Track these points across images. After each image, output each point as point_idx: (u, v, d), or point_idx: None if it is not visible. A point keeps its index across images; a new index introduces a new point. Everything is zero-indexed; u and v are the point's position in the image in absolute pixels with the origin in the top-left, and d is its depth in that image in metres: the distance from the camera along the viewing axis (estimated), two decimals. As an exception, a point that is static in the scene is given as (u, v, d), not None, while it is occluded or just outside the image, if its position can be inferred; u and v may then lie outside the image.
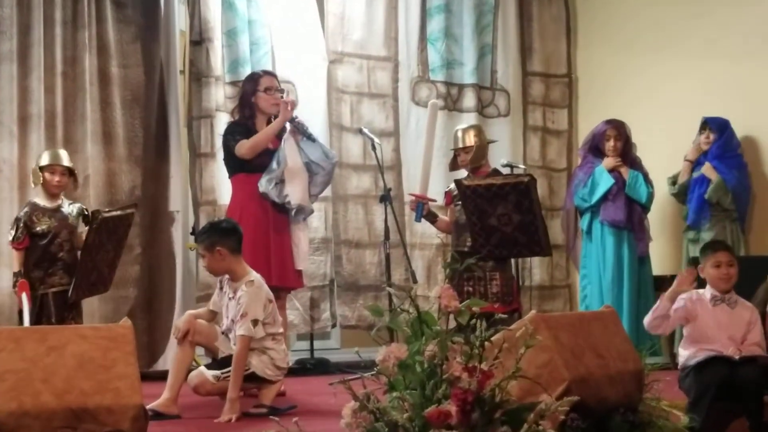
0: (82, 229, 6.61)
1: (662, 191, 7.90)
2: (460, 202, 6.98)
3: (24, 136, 7.28)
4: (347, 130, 8.28)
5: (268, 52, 7.98)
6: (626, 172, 7.56)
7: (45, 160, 6.60)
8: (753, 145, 7.82)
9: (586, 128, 8.50)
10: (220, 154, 7.04)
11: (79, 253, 6.54)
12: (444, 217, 7.40)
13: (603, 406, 3.95)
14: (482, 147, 7.20)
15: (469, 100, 8.89)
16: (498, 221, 6.74)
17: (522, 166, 7.77)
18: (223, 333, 5.55)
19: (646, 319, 5.09)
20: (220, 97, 7.74)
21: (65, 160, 6.65)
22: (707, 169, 7.61)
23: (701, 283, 5.24)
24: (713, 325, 5.04)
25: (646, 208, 7.65)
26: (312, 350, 8.22)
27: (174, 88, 7.84)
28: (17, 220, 6.53)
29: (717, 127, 7.65)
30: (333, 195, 8.08)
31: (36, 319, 6.32)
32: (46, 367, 3.48)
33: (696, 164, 7.72)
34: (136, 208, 6.95)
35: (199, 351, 6.01)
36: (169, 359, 6.74)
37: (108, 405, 3.46)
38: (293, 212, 6.44)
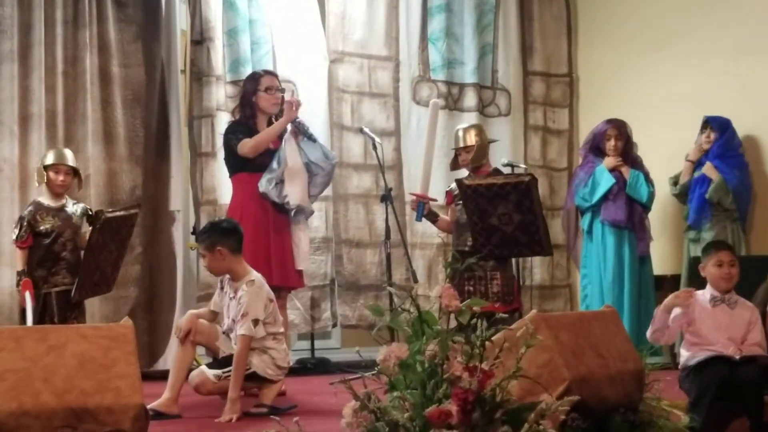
0: (86, 229, 6.60)
1: (663, 191, 7.90)
2: (460, 202, 6.98)
3: (25, 135, 7.28)
4: (348, 129, 8.28)
5: (269, 52, 7.98)
6: (627, 172, 7.56)
7: (50, 159, 6.61)
8: (754, 145, 7.82)
9: (586, 128, 8.50)
10: (220, 154, 7.04)
11: (82, 253, 6.55)
12: (445, 216, 7.40)
13: (603, 405, 3.95)
14: (483, 146, 7.20)
15: (470, 99, 8.89)
16: (499, 221, 6.73)
17: (523, 166, 7.77)
18: (224, 333, 5.55)
19: (648, 333, 5.09)
20: (221, 96, 7.74)
21: (70, 159, 6.65)
22: (708, 169, 7.60)
23: (702, 284, 5.24)
24: (712, 326, 5.04)
25: (646, 207, 7.65)
26: (312, 350, 8.22)
27: (175, 88, 7.84)
28: (21, 218, 6.54)
29: (718, 126, 7.65)
30: (334, 194, 8.09)
31: (38, 319, 6.32)
32: (47, 367, 3.47)
33: (697, 164, 7.72)
34: (139, 208, 6.95)
35: (200, 350, 6.01)
36: (170, 359, 6.74)
37: (108, 405, 3.46)
38: (293, 212, 6.44)
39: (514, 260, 7.10)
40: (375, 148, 7.14)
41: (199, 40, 7.74)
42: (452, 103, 8.82)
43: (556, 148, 9.29)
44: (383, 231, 7.21)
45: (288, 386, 6.10)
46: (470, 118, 8.55)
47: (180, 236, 7.72)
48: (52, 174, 6.55)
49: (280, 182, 6.37)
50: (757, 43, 7.80)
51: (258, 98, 6.48)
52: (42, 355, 3.50)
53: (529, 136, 9.19)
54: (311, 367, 7.82)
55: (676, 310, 5.04)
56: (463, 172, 7.28)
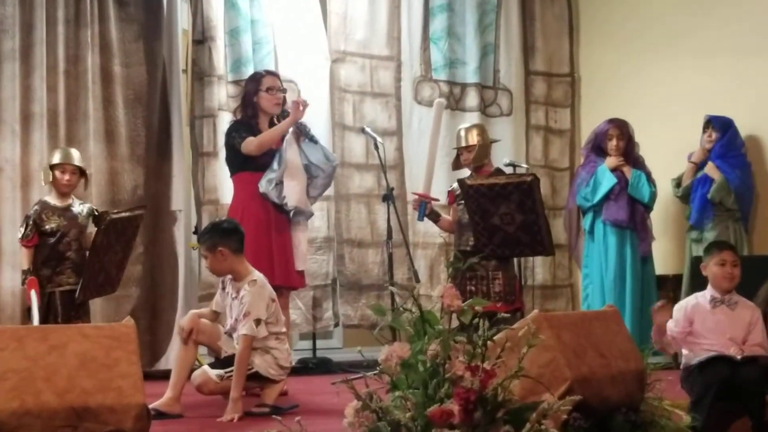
0: (92, 230, 6.62)
1: (665, 191, 7.89)
2: (462, 202, 6.99)
3: (26, 135, 7.28)
4: (350, 129, 8.28)
5: (270, 52, 7.98)
6: (629, 172, 7.56)
7: (56, 158, 6.62)
8: (757, 145, 7.81)
9: (588, 127, 8.51)
10: (222, 154, 7.03)
11: (87, 253, 6.55)
12: (446, 216, 7.40)
13: (605, 405, 3.95)
14: (485, 146, 7.20)
15: (472, 99, 8.89)
16: (501, 221, 6.74)
17: (524, 166, 7.78)
18: (226, 333, 5.55)
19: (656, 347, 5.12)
20: (223, 96, 7.73)
21: (76, 159, 6.66)
22: (710, 169, 7.60)
23: (703, 283, 5.24)
24: (713, 327, 5.03)
25: (648, 207, 7.64)
26: (314, 349, 8.22)
27: (176, 87, 7.84)
28: (27, 217, 6.56)
29: (720, 126, 7.64)
30: (335, 194, 8.09)
31: (43, 318, 6.33)
32: (48, 366, 3.47)
33: (700, 165, 7.71)
34: (145, 209, 6.96)
35: (202, 350, 6.01)
36: (172, 358, 6.75)
37: (110, 404, 3.46)
38: (291, 214, 6.45)
39: (515, 260, 7.11)
40: (377, 147, 7.14)
41: (201, 39, 7.73)
42: (454, 103, 8.81)
43: (558, 147, 9.29)
44: (385, 231, 7.21)
45: (290, 386, 6.11)
46: (472, 118, 8.55)
47: (181, 236, 7.72)
48: (58, 173, 6.57)
49: (280, 183, 6.38)
50: (761, 41, 7.80)
51: (259, 98, 6.49)
52: (43, 354, 3.50)
53: (531, 135, 9.19)
54: (313, 366, 7.81)
55: (670, 324, 5.07)
56: (465, 172, 7.27)
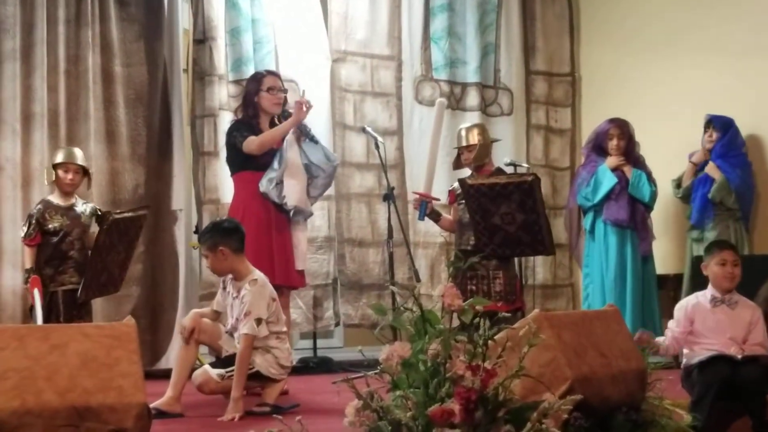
0: (95, 229, 6.62)
1: (666, 190, 7.90)
2: (463, 201, 6.99)
3: (27, 134, 7.28)
4: (350, 128, 8.28)
5: (271, 51, 7.98)
6: (629, 171, 7.56)
7: (59, 157, 6.63)
8: (758, 144, 7.81)
9: (589, 127, 8.51)
10: (223, 153, 7.04)
11: (89, 253, 6.56)
12: (447, 215, 7.40)
13: (606, 405, 3.95)
14: (486, 145, 7.20)
15: (473, 98, 8.89)
16: (501, 220, 6.74)
17: (525, 165, 7.78)
18: (227, 332, 5.55)
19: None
20: (224, 95, 7.74)
21: (79, 158, 6.67)
22: (711, 169, 7.60)
23: (704, 283, 5.24)
24: (713, 326, 5.03)
25: (649, 207, 7.64)
26: (315, 349, 8.21)
27: (177, 87, 7.84)
28: (30, 216, 6.56)
29: (721, 125, 7.64)
30: (336, 194, 8.09)
31: (45, 317, 6.33)
32: (49, 366, 3.47)
33: (700, 166, 7.72)
34: (148, 209, 6.96)
35: (203, 350, 6.01)
36: (172, 358, 6.75)
37: (111, 403, 3.46)
38: (291, 213, 6.46)
39: (516, 259, 7.11)
40: (377, 147, 7.14)
41: (202, 39, 7.73)
42: (455, 103, 8.81)
43: (559, 147, 9.29)
44: (386, 230, 7.21)
45: (290, 385, 6.11)
46: (473, 118, 8.55)
47: (182, 235, 7.72)
48: (61, 172, 6.58)
49: (280, 182, 6.38)
50: (762, 41, 7.80)
51: (260, 98, 6.50)
52: (45, 353, 3.50)
53: (532, 135, 9.19)
54: (314, 366, 7.81)
55: (671, 324, 5.09)
56: (466, 172, 7.28)
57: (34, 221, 6.49)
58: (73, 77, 7.46)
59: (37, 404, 3.38)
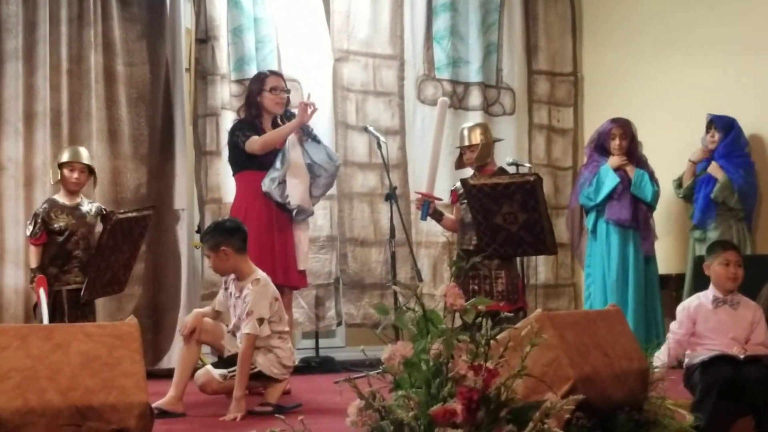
0: (101, 229, 6.63)
1: (668, 190, 7.89)
2: (465, 201, 6.99)
3: (29, 134, 7.28)
4: (353, 128, 8.28)
5: (273, 50, 7.98)
6: (632, 171, 7.55)
7: (65, 156, 6.64)
8: (761, 144, 7.80)
9: (591, 127, 8.50)
10: (225, 153, 7.04)
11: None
12: (449, 215, 7.40)
13: (608, 404, 3.95)
14: (488, 145, 7.20)
15: (475, 98, 8.89)
16: (503, 220, 6.74)
17: (528, 165, 7.79)
18: (229, 332, 5.55)
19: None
20: (226, 95, 7.74)
21: (85, 157, 6.67)
22: (713, 169, 7.60)
23: (706, 283, 5.24)
24: (715, 327, 5.04)
25: (651, 206, 7.63)
26: (317, 348, 8.22)
27: (179, 86, 7.84)
28: (35, 215, 6.56)
29: (722, 126, 7.64)
30: (338, 193, 8.09)
31: (49, 316, 6.33)
32: (52, 365, 3.47)
33: (701, 164, 7.71)
34: (153, 210, 6.96)
35: (205, 350, 6.01)
36: (174, 357, 6.75)
37: (113, 403, 3.46)
38: (294, 213, 6.46)
39: (518, 259, 7.11)
40: (380, 146, 7.14)
41: (204, 38, 7.73)
42: (457, 102, 8.81)
43: (561, 147, 9.30)
44: (388, 230, 7.21)
45: (293, 385, 6.11)
46: (475, 117, 8.56)
47: (184, 235, 7.73)
48: (66, 172, 6.58)
49: (283, 182, 6.39)
50: (763, 40, 7.79)
51: (263, 98, 6.50)
52: (47, 353, 3.50)
53: (534, 135, 9.19)
54: (316, 365, 7.82)
55: (673, 326, 5.09)
56: (468, 171, 7.28)
57: (39, 220, 6.49)
58: (75, 76, 7.47)
59: (40, 403, 3.39)
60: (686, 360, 5.04)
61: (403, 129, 8.56)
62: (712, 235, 7.45)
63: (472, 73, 8.91)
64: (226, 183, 7.44)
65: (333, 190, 7.58)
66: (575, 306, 9.00)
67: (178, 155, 7.76)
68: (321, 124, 7.42)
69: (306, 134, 6.50)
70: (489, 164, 7.19)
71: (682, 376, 5.02)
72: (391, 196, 7.08)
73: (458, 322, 3.48)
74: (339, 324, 8.30)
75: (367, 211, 8.31)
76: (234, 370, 5.29)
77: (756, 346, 4.97)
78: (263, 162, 6.42)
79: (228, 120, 7.46)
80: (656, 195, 7.58)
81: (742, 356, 4.84)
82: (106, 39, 7.57)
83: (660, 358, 4.91)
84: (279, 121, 6.56)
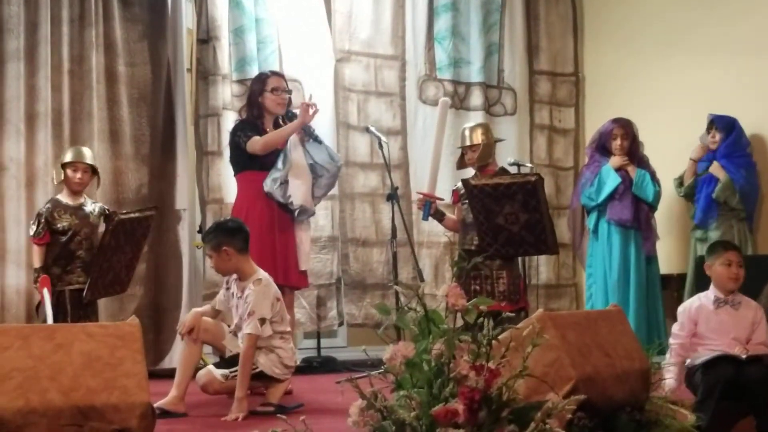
0: (103, 229, 6.63)
1: (670, 190, 7.89)
2: (467, 201, 6.99)
3: (31, 134, 7.29)
4: (354, 128, 8.28)
5: (275, 51, 7.98)
6: (633, 171, 7.54)
7: (68, 157, 6.64)
8: (762, 144, 7.80)
9: (592, 127, 8.49)
10: (226, 153, 7.04)
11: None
12: (451, 215, 7.40)
13: (610, 404, 3.95)
14: (489, 145, 7.20)
15: (476, 98, 8.89)
16: (505, 220, 6.74)
17: (529, 165, 7.79)
18: (231, 332, 5.55)
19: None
20: (227, 95, 7.74)
21: (88, 157, 6.68)
22: (715, 168, 7.60)
23: (706, 284, 5.23)
24: (717, 327, 5.04)
25: (653, 207, 7.63)
26: (319, 348, 8.22)
27: (181, 87, 7.85)
28: (39, 215, 6.56)
29: (723, 126, 7.63)
30: (340, 193, 8.09)
31: (53, 316, 6.33)
32: (53, 365, 3.47)
33: (701, 162, 7.71)
34: (156, 210, 6.96)
35: (207, 350, 6.01)
36: (176, 357, 6.76)
37: (115, 403, 3.46)
38: (296, 213, 6.46)
39: (520, 259, 7.11)
40: (381, 147, 7.14)
41: (205, 38, 7.73)
42: (458, 102, 8.82)
43: (562, 147, 9.30)
44: (390, 230, 7.21)
45: (294, 385, 6.11)
46: (476, 117, 8.56)
47: (186, 235, 7.73)
48: (70, 172, 6.59)
49: (285, 182, 6.39)
50: (765, 40, 7.78)
51: (264, 99, 6.51)
52: (49, 353, 3.50)
53: (535, 135, 9.19)
54: (317, 365, 7.81)
55: (675, 328, 5.09)
56: (469, 171, 7.28)
57: (43, 220, 6.50)
58: (76, 77, 7.47)
59: (41, 403, 3.39)
60: (688, 361, 5.04)
61: (405, 129, 8.56)
62: (714, 235, 7.44)
63: (474, 73, 8.91)
64: (228, 183, 7.44)
65: (334, 191, 7.58)
66: (577, 306, 8.99)
67: (179, 155, 7.77)
68: (322, 125, 7.42)
69: (308, 135, 6.50)
70: (490, 164, 7.19)
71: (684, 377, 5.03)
72: (392, 197, 7.09)
73: (460, 323, 3.48)
74: (341, 324, 8.31)
75: (369, 211, 8.31)
76: (235, 371, 5.29)
77: (757, 346, 4.97)
78: (264, 162, 6.42)
79: (229, 120, 7.46)
80: (658, 195, 7.57)
81: (743, 356, 4.84)
82: (107, 39, 7.57)
83: (672, 377, 4.90)
84: (280, 121, 6.56)
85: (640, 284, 7.52)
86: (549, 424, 3.34)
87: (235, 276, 5.50)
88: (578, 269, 8.91)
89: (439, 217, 7.27)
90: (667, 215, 8.15)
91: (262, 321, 5.29)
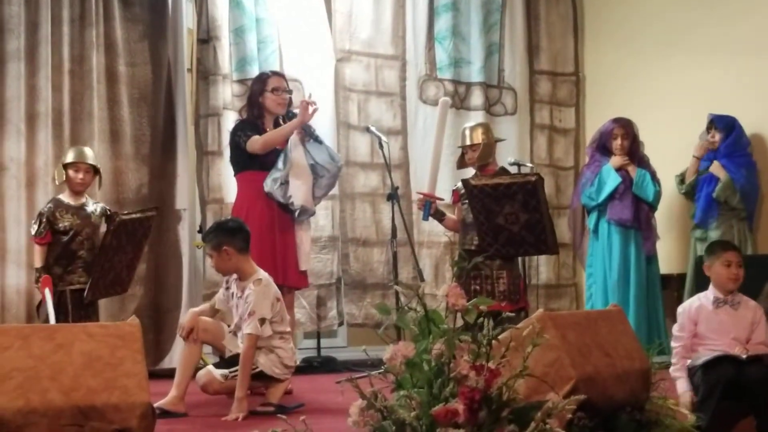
0: (105, 229, 6.63)
1: (670, 189, 7.89)
2: (467, 201, 6.99)
3: (31, 134, 7.29)
4: (355, 128, 8.28)
5: (275, 51, 7.98)
6: (633, 171, 7.54)
7: (70, 157, 6.64)
8: (762, 144, 7.80)
9: (593, 126, 8.49)
10: (227, 153, 7.04)
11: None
12: (451, 215, 7.40)
13: (610, 404, 3.95)
14: (490, 145, 7.20)
15: (477, 98, 8.89)
16: (505, 220, 6.74)
17: (529, 165, 7.79)
18: (231, 332, 5.56)
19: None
20: (228, 95, 7.74)
21: (90, 157, 6.68)
22: (716, 168, 7.60)
23: (706, 284, 5.23)
24: (717, 327, 5.04)
25: (653, 206, 7.63)
26: (319, 348, 8.22)
27: (181, 87, 7.85)
28: (40, 215, 6.56)
29: (723, 126, 7.63)
30: (340, 193, 8.09)
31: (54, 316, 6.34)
32: (54, 365, 3.47)
33: (703, 160, 7.71)
34: (157, 210, 6.96)
35: (207, 350, 6.02)
36: (176, 357, 6.76)
37: (115, 403, 3.46)
38: (297, 213, 6.46)
39: (520, 259, 7.11)
40: (381, 146, 7.14)
41: (206, 38, 7.73)
42: (459, 102, 8.81)
43: (563, 147, 9.29)
44: (390, 230, 7.21)
45: (294, 385, 6.11)
46: (477, 117, 8.55)
47: (186, 235, 7.73)
48: (71, 172, 6.59)
49: (285, 182, 6.39)
50: (765, 40, 7.78)
51: (265, 99, 6.51)
52: (49, 353, 3.50)
53: (536, 134, 9.19)
54: (317, 365, 7.81)
55: (675, 329, 5.09)
56: (470, 171, 7.29)
57: (44, 220, 6.50)
58: (77, 77, 7.47)
59: (42, 403, 3.39)
60: (689, 361, 5.04)
61: (405, 129, 8.56)
62: (714, 234, 7.44)
63: (474, 73, 8.91)
64: (228, 183, 7.44)
65: (335, 190, 7.57)
66: (577, 306, 8.99)
67: (179, 155, 7.77)
68: (323, 125, 7.42)
69: (308, 135, 6.50)
70: (490, 164, 7.19)
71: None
72: (392, 196, 7.09)
73: (460, 323, 3.48)
74: (341, 324, 8.31)
75: (369, 211, 8.31)
76: (235, 371, 5.29)
77: (757, 346, 4.97)
78: (265, 162, 6.42)
79: (230, 120, 7.46)
80: (658, 195, 7.57)
81: (744, 356, 4.84)
82: (107, 39, 7.57)
83: (686, 389, 4.89)
84: (281, 121, 6.57)
85: (640, 284, 7.52)
86: (549, 424, 3.34)
87: (235, 276, 5.50)
88: (578, 269, 8.91)
89: (440, 217, 7.27)
90: (667, 215, 8.15)
91: (262, 321, 5.29)
